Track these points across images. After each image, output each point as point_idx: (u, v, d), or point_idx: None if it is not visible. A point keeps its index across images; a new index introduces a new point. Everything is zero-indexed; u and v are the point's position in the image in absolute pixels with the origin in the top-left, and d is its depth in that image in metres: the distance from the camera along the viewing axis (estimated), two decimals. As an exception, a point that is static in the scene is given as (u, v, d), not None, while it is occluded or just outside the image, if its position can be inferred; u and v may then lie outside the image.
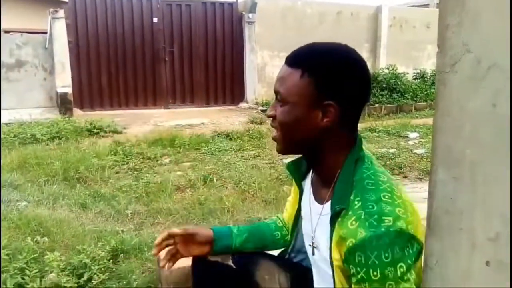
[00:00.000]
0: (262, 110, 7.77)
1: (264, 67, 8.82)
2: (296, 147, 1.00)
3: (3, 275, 2.12)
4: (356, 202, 0.89)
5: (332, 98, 0.91)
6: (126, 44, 7.81)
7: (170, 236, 1.22)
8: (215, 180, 3.64)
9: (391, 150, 4.84)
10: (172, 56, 8.21)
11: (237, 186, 3.50)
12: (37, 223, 2.68)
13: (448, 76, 0.59)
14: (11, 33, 7.67)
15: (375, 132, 5.88)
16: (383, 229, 0.82)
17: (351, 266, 0.86)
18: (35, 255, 2.31)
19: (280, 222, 1.32)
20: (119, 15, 7.73)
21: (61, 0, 8.81)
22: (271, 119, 0.99)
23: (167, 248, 1.24)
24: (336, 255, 0.91)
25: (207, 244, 1.22)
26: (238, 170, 3.94)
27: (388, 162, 4.26)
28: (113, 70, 7.77)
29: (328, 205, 0.96)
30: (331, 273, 0.96)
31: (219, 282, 1.20)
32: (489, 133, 0.54)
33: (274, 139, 1.01)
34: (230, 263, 1.20)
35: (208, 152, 4.69)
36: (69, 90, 6.97)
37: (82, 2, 7.46)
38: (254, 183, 3.50)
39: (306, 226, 1.10)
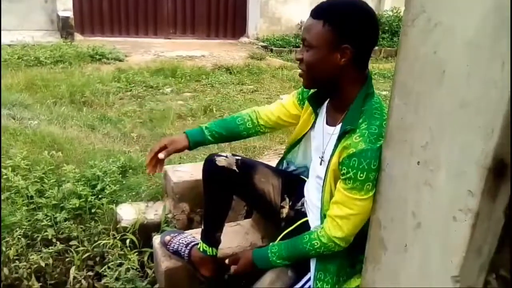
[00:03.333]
0: (262, 46, 7.78)
1: (267, 2, 8.64)
2: (320, 82, 1.26)
3: (25, 182, 2.38)
4: (363, 124, 1.16)
5: (348, 42, 1.15)
6: (127, -32, 7.58)
7: (156, 154, 1.45)
8: (214, 111, 3.84)
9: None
10: (174, -14, 8.01)
11: (235, 117, 3.71)
12: (51, 140, 2.91)
13: (409, 29, 0.78)
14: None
15: (371, 74, 6.00)
16: (378, 145, 1.09)
17: (344, 167, 1.15)
18: (51, 167, 2.56)
19: (254, 115, 1.54)
20: None
21: None
22: (299, 62, 1.25)
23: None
24: (335, 160, 1.20)
25: (185, 147, 1.49)
26: (236, 103, 4.13)
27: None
28: (114, -4, 7.61)
29: (338, 127, 1.24)
30: (323, 177, 1.26)
31: (225, 182, 1.48)
32: (430, 72, 0.74)
33: (301, 75, 1.27)
34: (234, 168, 1.45)
35: (208, 84, 4.84)
36: (70, 14, 6.89)
37: None
38: (251, 115, 3.71)
39: (317, 143, 1.37)
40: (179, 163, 2.64)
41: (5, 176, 2.38)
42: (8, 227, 2.13)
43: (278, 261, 1.30)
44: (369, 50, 1.23)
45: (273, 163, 1.74)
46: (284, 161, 1.62)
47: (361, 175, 1.10)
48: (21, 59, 5.21)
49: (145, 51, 6.48)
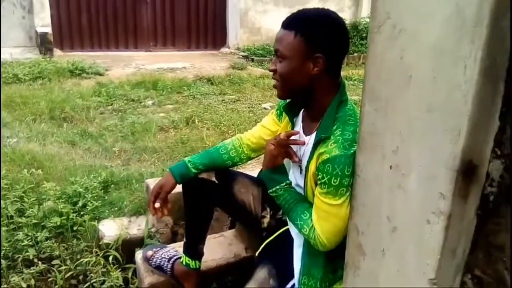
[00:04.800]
0: (243, 56, 7.82)
1: (247, 12, 8.70)
2: (294, 92, 1.27)
3: (4, 202, 2.33)
4: (337, 131, 1.17)
5: (320, 52, 1.17)
6: (105, -17, 7.56)
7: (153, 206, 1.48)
8: (196, 122, 3.83)
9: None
10: (153, -2, 8.01)
11: (217, 128, 3.70)
12: (30, 157, 2.85)
13: (375, 35, 0.79)
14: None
15: (350, 80, 6.08)
16: (352, 151, 1.10)
17: (319, 173, 1.16)
18: (31, 185, 2.51)
19: (236, 142, 1.54)
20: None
21: None
22: (272, 73, 1.26)
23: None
24: (312, 167, 1.21)
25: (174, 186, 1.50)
26: (218, 113, 4.12)
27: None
28: (93, 9, 7.56)
29: (314, 135, 1.25)
30: (303, 185, 1.27)
31: (205, 194, 1.47)
32: (398, 77, 0.75)
33: (275, 87, 1.28)
34: (214, 179, 1.44)
35: (190, 95, 4.83)
36: (49, 29, 6.82)
37: None
38: (233, 125, 3.71)
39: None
40: (162, 176, 2.61)
41: (-17, 197, 2.32)
42: (-13, 248, 2.07)
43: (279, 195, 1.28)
44: (341, 59, 1.25)
45: (256, 173, 1.74)
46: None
47: (335, 180, 1.10)
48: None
49: (126, 64, 6.44)
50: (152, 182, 2.27)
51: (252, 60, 7.57)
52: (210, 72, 5.95)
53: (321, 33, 1.16)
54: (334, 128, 1.18)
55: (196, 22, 8.43)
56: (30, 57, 6.21)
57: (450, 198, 0.70)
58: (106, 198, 2.46)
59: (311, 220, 1.20)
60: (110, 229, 2.13)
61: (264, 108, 4.44)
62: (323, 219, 1.16)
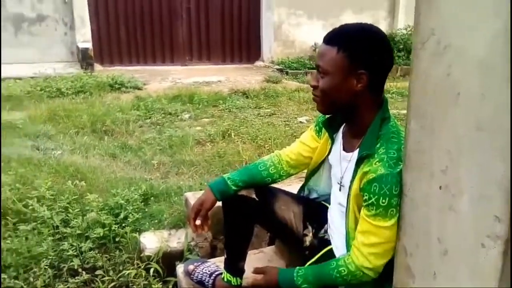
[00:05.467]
0: (277, 69, 7.90)
1: (281, 25, 8.83)
2: (336, 108, 1.28)
3: (50, 212, 2.46)
4: (381, 149, 1.17)
5: (363, 68, 1.18)
6: (143, 1, 7.89)
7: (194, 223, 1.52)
8: (233, 136, 3.91)
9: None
10: (189, 13, 8.28)
11: (253, 142, 3.76)
12: (74, 169, 3.00)
13: (419, 51, 0.81)
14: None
15: (388, 93, 6.01)
16: (398, 170, 1.10)
17: (365, 193, 1.16)
18: (75, 196, 2.64)
19: (275, 159, 1.57)
20: (137, -30, 7.77)
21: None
22: (313, 88, 1.28)
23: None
24: (355, 186, 1.21)
25: (214, 203, 1.52)
26: (254, 127, 4.19)
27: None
28: (131, 25, 7.90)
29: (356, 152, 1.25)
30: (346, 205, 1.27)
31: (245, 211, 1.50)
32: (444, 94, 0.77)
33: (315, 101, 1.29)
34: (254, 196, 1.48)
35: (226, 109, 4.94)
36: (89, 45, 7.17)
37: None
38: (269, 139, 3.76)
39: (335, 170, 1.40)
40: (200, 190, 2.69)
41: (30, 207, 2.47)
42: (35, 257, 2.19)
43: (303, 285, 1.29)
44: (385, 75, 1.25)
45: (294, 188, 1.77)
46: (306, 188, 1.63)
47: (383, 200, 1.10)
48: (44, 90, 5.43)
49: (163, 78, 6.66)
50: (190, 196, 2.34)
51: (287, 73, 7.64)
52: (245, 85, 6.06)
53: (365, 49, 1.17)
54: (378, 146, 1.19)
55: (230, 36, 8.63)
56: (72, 71, 6.55)
57: (506, 221, 0.68)
58: (146, 210, 2.55)
59: (343, 260, 1.21)
60: (151, 241, 2.21)
61: (300, 122, 4.47)
62: (370, 242, 1.15)
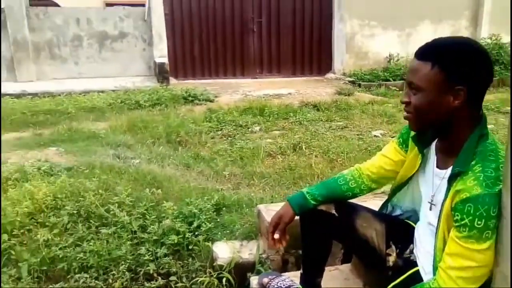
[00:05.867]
0: (350, 81, 7.77)
1: (353, 36, 8.70)
2: (430, 125, 1.22)
3: (129, 218, 2.60)
4: (477, 167, 1.10)
5: (461, 84, 1.11)
6: (216, 15, 8.22)
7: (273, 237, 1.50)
8: (304, 148, 3.88)
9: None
10: (260, 26, 8.47)
11: (325, 155, 3.70)
12: (151, 178, 3.16)
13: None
14: (115, 6, 8.46)
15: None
16: (496, 190, 1.03)
17: (458, 213, 1.08)
18: (152, 204, 2.77)
19: (356, 173, 1.52)
20: (211, -14, 8.13)
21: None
22: (404, 104, 1.22)
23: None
24: (447, 205, 1.14)
25: (292, 217, 1.50)
26: (326, 140, 4.13)
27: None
28: (205, 40, 8.25)
29: (449, 170, 1.18)
30: (436, 225, 1.20)
31: (324, 226, 1.46)
32: None
33: (407, 118, 1.24)
34: (333, 211, 1.45)
35: (296, 121, 4.93)
36: (165, 60, 7.60)
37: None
38: (342, 153, 3.68)
39: (426, 187, 1.32)
40: (271, 202, 2.69)
41: (112, 212, 2.62)
42: (114, 260, 2.32)
43: None
44: (484, 89, 1.17)
45: (370, 204, 1.70)
46: (389, 205, 1.56)
47: (479, 222, 1.02)
48: (124, 103, 5.82)
49: (234, 91, 6.84)
50: (263, 208, 2.35)
51: (359, 85, 7.48)
52: (315, 98, 6.03)
53: (462, 63, 1.11)
54: (473, 163, 1.10)
55: (301, 48, 8.67)
56: (149, 85, 6.96)
57: None
58: (218, 220, 2.60)
59: (434, 281, 1.12)
60: (223, 251, 2.24)
61: (375, 136, 4.33)
62: (459, 266, 1.07)
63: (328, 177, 3.20)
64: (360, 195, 1.54)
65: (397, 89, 7.21)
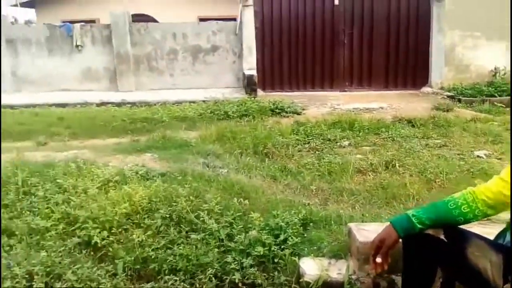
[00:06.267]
0: (448, 96, 7.30)
1: (453, 48, 8.18)
2: None
3: (217, 225, 2.68)
4: None
5: None
6: (306, 28, 8.28)
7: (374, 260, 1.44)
8: (397, 166, 3.70)
9: None
10: (351, 38, 8.34)
11: (422, 175, 3.49)
12: (239, 188, 3.23)
13: None
14: (208, 21, 8.93)
15: None
16: None
17: None
18: (239, 214, 2.83)
19: (469, 197, 1.39)
20: (301, 0, 8.21)
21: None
22: None
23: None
24: None
25: (396, 241, 1.42)
26: (422, 159, 3.90)
27: None
28: (293, 53, 8.34)
29: None
30: None
31: (430, 252, 1.37)
32: None
33: None
34: (442, 236, 1.35)
35: (389, 137, 4.74)
36: (254, 72, 7.81)
37: (269, -12, 8.19)
38: (441, 173, 3.44)
39: None
40: (362, 221, 2.60)
41: (201, 218, 2.73)
42: (202, 265, 2.40)
43: None
44: None
45: (476, 231, 1.55)
46: (507, 234, 1.43)
47: None
48: (213, 113, 6.09)
49: (321, 104, 6.80)
50: (354, 227, 2.27)
51: (459, 100, 6.98)
52: (410, 113, 5.75)
53: None
54: None
55: (395, 60, 8.35)
56: (237, 96, 7.20)
57: None
58: (305, 235, 2.57)
59: None
60: (310, 268, 2.20)
61: (478, 156, 3.99)
62: None
63: (425, 199, 3.03)
64: (473, 221, 1.41)
65: (503, 106, 6.58)
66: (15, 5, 10.63)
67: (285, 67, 8.37)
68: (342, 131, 4.95)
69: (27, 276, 2.32)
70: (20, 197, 3.03)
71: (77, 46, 8.37)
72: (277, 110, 6.11)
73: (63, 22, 9.01)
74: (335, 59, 8.36)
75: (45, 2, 10.67)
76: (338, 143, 4.59)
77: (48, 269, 2.37)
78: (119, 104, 7.16)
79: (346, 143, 4.60)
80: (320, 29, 8.30)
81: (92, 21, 9.90)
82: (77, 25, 8.44)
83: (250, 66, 8.06)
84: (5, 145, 5.06)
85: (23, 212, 2.87)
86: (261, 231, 2.60)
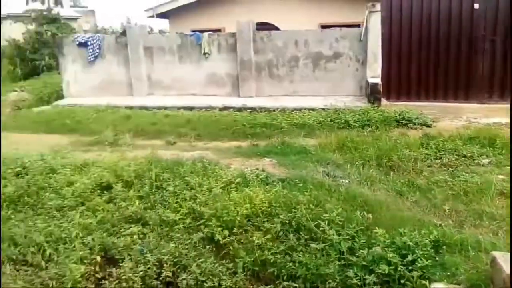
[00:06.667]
0: None
1: None
2: None
3: (338, 237, 2.63)
4: None
5: None
6: (440, 34, 7.73)
7: None
8: (551, 192, 3.24)
9: None
10: (493, 45, 7.56)
11: None
12: (361, 200, 3.14)
13: None
14: (331, 28, 8.89)
15: None
16: None
17: None
18: (362, 227, 2.74)
19: None
20: (435, 4, 7.71)
21: (378, -8, 9.49)
22: None
23: None
24: None
25: None
26: None
27: None
28: (424, 61, 7.85)
29: None
30: None
31: None
32: None
33: None
34: None
35: (540, 158, 4.17)
36: (378, 80, 7.54)
37: (400, -7, 7.85)
38: None
39: None
40: (507, 250, 2.31)
41: (321, 228, 2.70)
42: (322, 276, 2.38)
43: None
44: None
45: None
46: None
47: None
48: (333, 122, 6.03)
49: (455, 116, 6.29)
50: (500, 257, 2.04)
51: None
52: None
53: None
54: None
55: (547, 71, 7.35)
56: (359, 105, 7.02)
57: None
58: (437, 259, 2.38)
59: None
60: (444, 295, 2.03)
61: None
62: None
63: None
64: None
65: None
66: (152, 16, 11.86)
67: (414, 76, 7.91)
68: (481, 148, 4.49)
69: (157, 263, 2.55)
70: (153, 190, 3.35)
71: (204, 53, 9.01)
72: (403, 121, 5.81)
73: (193, 31, 9.79)
74: (472, 67, 7.64)
75: (177, 13, 11.69)
76: (476, 161, 4.18)
77: (175, 260, 2.58)
78: (240, 109, 7.50)
79: (486, 161, 4.16)
80: (455, 35, 7.68)
81: (218, 30, 10.56)
82: (206, 34, 9.09)
83: (374, 73, 7.80)
84: (140, 142, 5.66)
85: (156, 204, 3.17)
86: (386, 249, 2.48)
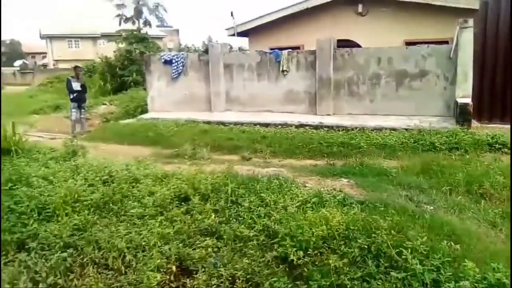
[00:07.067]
0: None
1: None
2: None
3: (422, 267, 2.47)
4: None
5: None
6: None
7: None
8: None
9: None
10: None
11: None
12: (448, 229, 2.93)
13: None
14: (417, 44, 8.56)
15: None
16: None
17: None
18: (448, 259, 2.55)
19: None
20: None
21: (470, 8, 9.00)
22: None
23: None
24: None
25: None
26: None
27: None
28: (522, 80, 7.29)
29: None
30: None
31: None
32: None
33: None
34: None
35: None
36: (469, 100, 7.10)
37: (495, 8, 7.38)
38: None
39: None
40: None
41: (403, 256, 2.56)
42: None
43: None
44: None
45: None
46: None
47: None
48: (417, 143, 5.76)
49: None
50: None
51: None
52: None
53: None
54: None
55: None
56: (446, 126, 6.64)
57: None
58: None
59: None
60: None
61: None
62: None
63: None
64: None
65: None
66: (233, 35, 12.29)
67: (510, 96, 7.36)
68: None
69: (230, 278, 2.58)
70: (228, 205, 3.42)
71: (283, 71, 9.13)
72: (496, 145, 5.40)
73: (271, 49, 9.98)
74: None
75: (257, 32, 12.01)
76: None
77: (248, 276, 2.59)
78: (316, 127, 7.46)
79: None
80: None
81: (297, 48, 10.65)
82: (285, 52, 9.22)
83: (464, 93, 7.35)
84: (216, 156, 5.84)
85: (231, 219, 3.22)
86: (476, 284, 2.29)
